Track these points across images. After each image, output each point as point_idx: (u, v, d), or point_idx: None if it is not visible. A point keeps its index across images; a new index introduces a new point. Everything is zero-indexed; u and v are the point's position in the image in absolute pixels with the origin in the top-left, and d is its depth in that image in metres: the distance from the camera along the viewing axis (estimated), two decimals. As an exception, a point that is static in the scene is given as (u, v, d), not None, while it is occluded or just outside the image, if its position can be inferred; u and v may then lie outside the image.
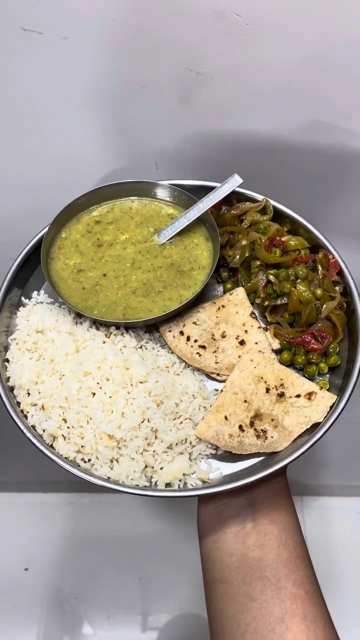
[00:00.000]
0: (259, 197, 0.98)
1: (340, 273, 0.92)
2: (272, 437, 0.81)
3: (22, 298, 0.95)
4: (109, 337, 0.87)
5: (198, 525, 0.85)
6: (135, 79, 0.86)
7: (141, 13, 0.77)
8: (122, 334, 0.88)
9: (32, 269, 0.97)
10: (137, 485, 0.79)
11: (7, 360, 0.88)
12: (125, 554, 1.78)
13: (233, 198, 0.99)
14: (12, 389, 0.86)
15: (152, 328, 0.92)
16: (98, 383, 0.82)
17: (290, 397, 0.83)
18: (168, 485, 0.80)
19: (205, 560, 0.82)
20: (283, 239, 0.94)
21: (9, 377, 0.86)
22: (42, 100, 0.90)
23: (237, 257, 0.94)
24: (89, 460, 0.80)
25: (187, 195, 0.95)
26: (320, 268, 0.91)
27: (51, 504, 1.85)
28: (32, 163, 1.00)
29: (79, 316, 0.91)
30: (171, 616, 1.69)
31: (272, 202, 0.97)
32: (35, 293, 0.95)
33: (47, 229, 0.92)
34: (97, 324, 0.89)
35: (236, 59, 0.82)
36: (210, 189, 0.95)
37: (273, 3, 0.75)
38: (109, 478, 0.79)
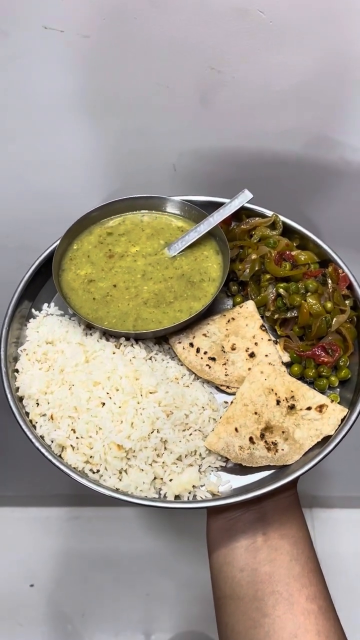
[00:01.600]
0: (269, 212, 0.99)
1: (350, 287, 0.93)
2: (282, 449, 0.80)
3: (33, 310, 0.96)
4: (118, 348, 0.87)
5: (207, 540, 0.83)
6: (156, 79, 0.87)
7: (162, 10, 0.78)
8: (131, 345, 0.88)
9: (42, 281, 0.98)
10: (146, 496, 0.78)
11: (17, 371, 0.88)
12: (131, 570, 1.75)
13: (242, 214, 1.00)
14: (21, 399, 0.86)
15: (161, 340, 0.92)
16: (108, 393, 0.81)
17: (301, 409, 0.83)
18: (177, 497, 0.79)
19: (216, 575, 0.80)
20: (293, 253, 0.95)
21: (18, 387, 0.86)
22: (58, 102, 0.91)
23: (247, 270, 0.94)
24: (98, 470, 0.79)
25: (198, 210, 0.97)
26: (330, 282, 0.91)
27: (55, 518, 1.82)
28: (45, 169, 1.01)
29: (89, 327, 0.91)
30: (175, 634, 1.65)
31: (282, 218, 0.98)
32: (45, 305, 0.96)
33: (58, 241, 0.93)
34: (106, 335, 0.89)
35: (259, 58, 0.83)
36: (219, 205, 0.96)
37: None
38: (117, 489, 0.78)
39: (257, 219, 0.99)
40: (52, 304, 0.96)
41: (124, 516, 1.79)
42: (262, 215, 1.00)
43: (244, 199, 0.95)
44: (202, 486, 0.80)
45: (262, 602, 0.73)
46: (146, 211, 0.98)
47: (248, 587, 0.75)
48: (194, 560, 1.67)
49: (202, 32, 0.80)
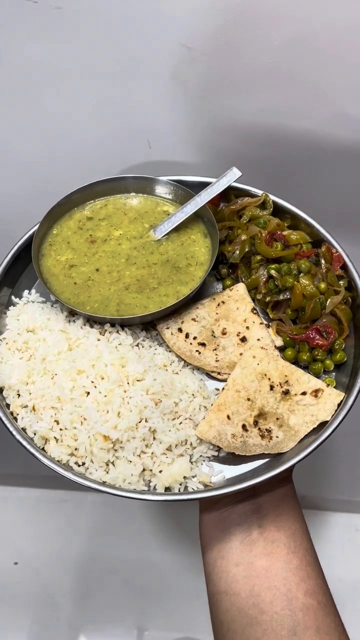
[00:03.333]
0: (258, 191, 0.95)
1: (344, 267, 0.89)
2: (277, 437, 0.77)
3: (13, 297, 0.91)
4: (103, 335, 0.83)
5: (200, 533, 0.80)
6: (127, 52, 0.83)
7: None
8: (117, 331, 0.83)
9: (23, 267, 0.93)
10: (135, 489, 0.74)
11: (-4, 361, 0.83)
12: (120, 554, 1.72)
13: (231, 194, 0.96)
14: (1, 390, 0.81)
15: (149, 326, 0.88)
16: (92, 382, 0.77)
17: (295, 394, 0.79)
18: (167, 489, 0.75)
19: (210, 571, 0.76)
20: (284, 233, 0.91)
21: (-3, 378, 0.81)
22: (29, 74, 0.87)
23: (237, 252, 0.90)
24: (83, 463, 0.75)
25: (184, 190, 0.92)
26: (323, 262, 0.88)
27: (45, 499, 1.80)
28: (22, 144, 0.96)
29: (72, 314, 0.86)
30: (166, 634, 1.61)
31: (272, 197, 0.94)
32: (26, 292, 0.91)
33: (37, 225, 0.88)
34: (90, 322, 0.85)
35: (231, 36, 0.79)
36: (206, 185, 0.92)
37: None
38: (104, 482, 0.74)
39: (246, 199, 0.95)
40: (34, 291, 0.92)
41: (115, 502, 1.75)
42: (252, 195, 0.96)
43: (232, 177, 0.91)
44: (193, 477, 0.76)
45: (258, 597, 0.69)
46: (132, 194, 0.93)
47: (244, 582, 0.71)
48: (188, 566, 1.63)
49: (174, 8, 0.76)
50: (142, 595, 1.67)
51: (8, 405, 0.80)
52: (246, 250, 0.90)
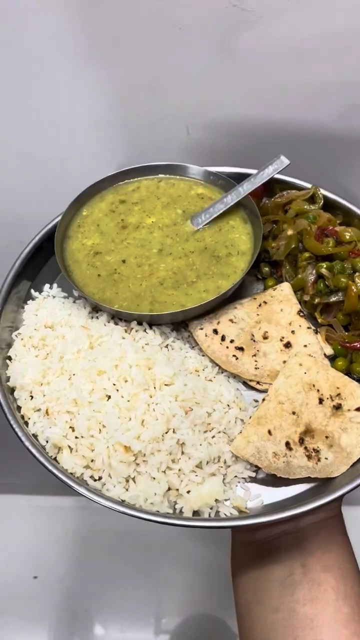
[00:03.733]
0: (306, 184, 0.86)
1: None
2: (326, 458, 0.65)
3: (32, 291, 0.83)
4: (129, 333, 0.73)
5: (232, 564, 0.69)
6: (166, 17, 0.73)
7: None
8: (144, 330, 0.74)
9: (44, 259, 0.85)
10: (158, 511, 0.63)
11: (9, 358, 0.75)
12: (139, 558, 1.68)
13: (275, 187, 0.87)
14: (12, 390, 0.73)
15: (180, 326, 0.78)
16: (114, 384, 0.68)
17: (349, 410, 0.68)
18: (196, 513, 0.64)
19: (244, 614, 0.64)
20: (336, 229, 0.81)
21: (9, 377, 0.72)
22: (47, 50, 0.78)
23: (282, 248, 0.81)
24: (100, 478, 0.65)
25: (224, 179, 0.84)
26: (381, 261, 0.77)
27: (63, 507, 1.75)
28: (44, 134, 0.88)
29: (95, 310, 0.78)
30: (183, 618, 1.57)
31: (322, 191, 0.85)
32: (47, 286, 0.83)
33: (66, 209, 0.81)
34: (115, 318, 0.76)
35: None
36: (246, 177, 0.82)
37: None
38: (123, 501, 0.64)
39: (293, 191, 0.86)
40: (55, 285, 0.84)
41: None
42: (299, 188, 0.86)
43: (279, 165, 0.82)
44: (226, 500, 0.66)
45: None
46: (163, 175, 0.85)
47: (284, 633, 0.59)
48: (202, 544, 1.59)
49: None
50: (159, 585, 1.65)
51: (19, 408, 0.71)
52: (292, 246, 0.80)
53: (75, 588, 1.66)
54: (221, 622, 1.50)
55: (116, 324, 0.75)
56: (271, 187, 0.87)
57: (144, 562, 1.67)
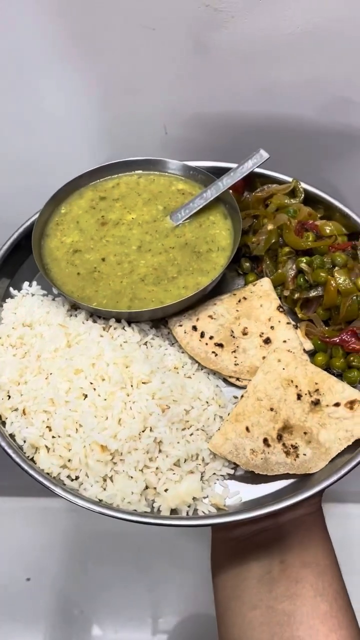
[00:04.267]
0: (287, 178, 0.85)
1: (386, 262, 0.78)
2: (304, 454, 0.65)
3: (11, 289, 0.82)
4: (107, 331, 0.73)
5: (212, 561, 0.68)
6: (139, 19, 0.73)
7: None
8: (123, 327, 0.73)
9: (23, 257, 0.85)
10: (135, 510, 0.63)
11: (-14, 358, 0.74)
12: (132, 558, 1.67)
13: (257, 181, 0.86)
14: (-11, 390, 0.72)
15: (159, 323, 0.78)
16: (91, 383, 0.67)
17: (327, 405, 0.68)
18: (174, 511, 0.64)
19: (222, 612, 0.64)
20: (316, 223, 0.80)
21: (-14, 377, 0.72)
22: (24, 51, 0.77)
23: (262, 243, 0.80)
24: (77, 477, 0.65)
25: (204, 174, 0.83)
26: (361, 255, 0.77)
27: (54, 509, 1.72)
28: (21, 131, 0.87)
29: (74, 308, 0.77)
30: (181, 618, 1.57)
31: (303, 185, 0.84)
32: (26, 284, 0.83)
33: (43, 206, 0.80)
34: (94, 316, 0.75)
35: None
36: (226, 172, 0.81)
37: None
38: (100, 500, 0.63)
39: (273, 186, 0.85)
40: (34, 283, 0.83)
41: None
42: (280, 182, 0.86)
43: (259, 159, 0.81)
44: (205, 498, 0.65)
45: None
46: (142, 171, 0.84)
47: (261, 630, 0.59)
48: (197, 543, 1.58)
49: None
50: (155, 585, 1.64)
51: (-4, 408, 0.70)
52: (272, 241, 0.80)
53: (70, 589, 1.65)
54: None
55: (95, 321, 0.75)
56: (252, 181, 0.87)
57: (139, 562, 1.66)
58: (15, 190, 0.93)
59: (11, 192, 0.94)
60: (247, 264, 0.83)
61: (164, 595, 1.62)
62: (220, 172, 0.82)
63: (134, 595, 1.62)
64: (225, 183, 0.81)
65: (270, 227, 0.80)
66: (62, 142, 0.90)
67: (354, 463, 0.63)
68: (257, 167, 0.81)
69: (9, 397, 0.70)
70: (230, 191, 0.81)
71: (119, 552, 1.68)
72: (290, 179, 0.85)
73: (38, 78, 0.82)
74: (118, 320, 0.74)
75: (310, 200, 0.85)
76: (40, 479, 0.63)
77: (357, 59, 0.78)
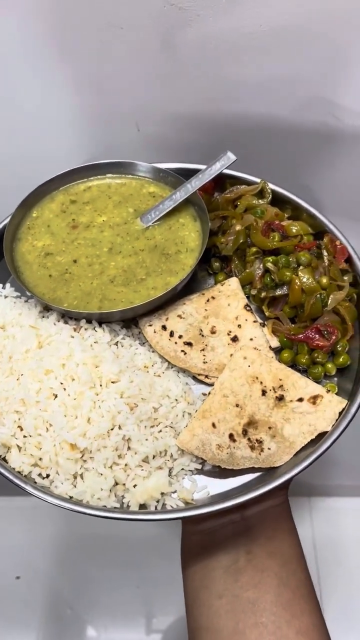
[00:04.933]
0: (256, 179, 0.87)
1: (349, 261, 0.81)
2: (269, 448, 0.67)
3: (-16, 292, 0.83)
4: (78, 332, 0.74)
5: (182, 554, 0.70)
6: (107, 18, 0.74)
7: None
8: (94, 328, 0.75)
9: (-4, 259, 0.85)
10: (105, 506, 0.65)
11: None
12: (123, 557, 1.67)
13: (227, 182, 0.88)
14: None
15: (130, 323, 0.79)
16: (61, 383, 0.69)
17: (291, 401, 0.70)
18: (143, 506, 0.66)
19: (191, 602, 0.66)
20: (283, 223, 0.82)
21: None
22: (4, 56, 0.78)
23: (230, 243, 0.82)
24: (48, 475, 0.66)
25: (174, 176, 0.84)
26: (325, 254, 0.79)
27: (43, 507, 1.72)
28: None
29: (46, 310, 0.79)
30: (174, 618, 1.57)
31: (271, 185, 0.86)
32: (0, 286, 0.83)
33: (14, 210, 0.81)
34: (65, 317, 0.77)
35: None
36: (195, 173, 0.83)
37: None
38: (70, 497, 0.65)
39: (242, 187, 0.87)
40: (8, 285, 0.84)
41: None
42: (249, 183, 0.87)
43: (226, 161, 0.83)
44: (173, 493, 0.67)
45: (243, 636, 0.60)
46: (114, 175, 0.86)
47: (227, 618, 0.61)
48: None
49: None
50: (148, 584, 1.64)
51: (-31, 409, 0.71)
52: (240, 241, 0.82)
53: (60, 588, 1.66)
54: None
55: (66, 322, 0.76)
56: (222, 182, 0.88)
57: (131, 561, 1.66)
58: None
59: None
60: (217, 264, 0.85)
61: (157, 594, 1.62)
62: (190, 174, 0.84)
63: (125, 595, 1.62)
64: (193, 185, 0.82)
65: (238, 227, 0.82)
66: (36, 143, 0.91)
67: (315, 455, 0.65)
68: (224, 168, 0.83)
69: (-19, 398, 0.72)
70: (199, 193, 0.83)
71: (110, 551, 1.68)
72: (258, 180, 0.87)
73: (10, 79, 0.83)
74: (89, 321, 0.76)
75: (279, 200, 0.86)
76: (11, 477, 0.65)
77: (326, 57, 0.79)
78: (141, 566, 1.66)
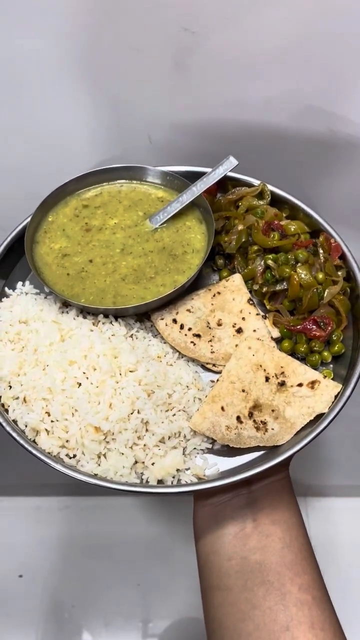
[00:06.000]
0: (256, 181, 0.94)
1: (343, 257, 0.87)
2: (272, 429, 0.75)
3: (6, 289, 0.90)
4: (96, 326, 0.81)
5: (194, 526, 0.78)
6: (125, 41, 0.81)
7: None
8: (110, 322, 0.82)
9: (16, 259, 0.92)
10: (127, 482, 0.72)
11: (-12, 353, 0.82)
12: (124, 559, 1.71)
13: (229, 184, 0.95)
14: (-8, 382, 0.80)
15: (143, 317, 0.86)
16: (84, 373, 0.76)
17: (291, 386, 0.77)
18: (160, 481, 0.73)
19: (203, 565, 0.74)
20: (282, 222, 0.89)
21: (-11, 370, 0.80)
22: (22, 68, 0.85)
23: (233, 242, 0.89)
24: (74, 455, 0.74)
25: (180, 180, 0.91)
26: (321, 252, 0.86)
27: (46, 508, 1.77)
28: (14, 140, 0.95)
29: (65, 305, 0.85)
30: (171, 621, 1.61)
31: (270, 187, 0.93)
32: (20, 284, 0.90)
33: (32, 213, 0.87)
34: (84, 312, 0.84)
35: (235, 17, 0.77)
36: (202, 175, 0.90)
37: None
38: (95, 475, 0.72)
39: (243, 188, 0.94)
40: (27, 283, 0.90)
41: (115, 505, 1.74)
42: (249, 185, 0.94)
43: (228, 166, 0.90)
44: (187, 469, 0.75)
45: (251, 592, 0.68)
46: (124, 181, 0.92)
47: (237, 577, 0.69)
48: (188, 546, 1.60)
49: None
50: (145, 589, 1.67)
51: (-1, 397, 0.79)
52: (243, 240, 0.88)
53: (61, 588, 1.68)
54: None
55: (85, 317, 0.83)
56: (225, 184, 0.95)
57: (129, 564, 1.69)
58: (7, 195, 1.01)
59: (5, 197, 1.01)
60: (221, 261, 0.92)
61: (154, 598, 1.65)
62: (195, 176, 0.91)
63: (124, 596, 1.64)
64: (199, 188, 0.89)
65: (240, 227, 0.89)
66: (55, 152, 0.97)
67: (314, 434, 0.73)
68: (227, 172, 0.89)
69: (10, 387, 0.78)
70: (204, 195, 0.90)
71: (110, 552, 1.71)
72: (258, 182, 0.94)
73: (35, 93, 0.89)
74: (106, 316, 0.83)
75: (277, 201, 0.93)
76: (43, 457, 0.72)
77: (325, 72, 0.85)
78: (139, 568, 1.69)
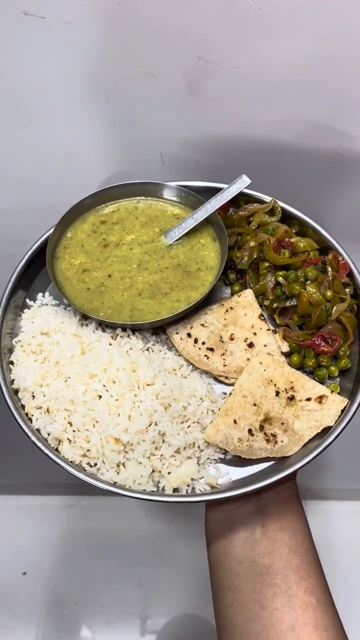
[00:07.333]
0: (267, 198, 0.97)
1: (350, 275, 0.91)
2: (282, 441, 0.79)
3: (27, 300, 0.94)
4: (115, 339, 0.85)
5: (206, 531, 0.83)
6: (141, 67, 0.84)
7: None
8: (128, 336, 0.86)
9: (37, 271, 0.96)
10: (144, 490, 0.77)
11: (12, 363, 0.86)
12: (125, 557, 1.76)
13: (241, 200, 0.98)
14: (16, 391, 0.84)
15: (158, 330, 0.90)
16: (104, 385, 0.80)
17: (300, 400, 0.82)
18: (175, 490, 0.78)
19: (214, 567, 0.80)
20: (292, 240, 0.93)
21: (13, 380, 0.84)
22: (42, 90, 0.88)
23: (245, 258, 0.93)
24: (95, 464, 0.78)
25: (195, 196, 0.94)
26: (330, 269, 0.89)
27: (50, 507, 1.82)
28: (34, 157, 0.98)
29: (84, 318, 0.89)
30: (169, 619, 1.66)
31: (281, 204, 0.96)
32: (40, 295, 0.94)
33: (52, 229, 0.91)
34: (102, 326, 0.88)
35: (247, 46, 0.80)
36: (217, 191, 0.94)
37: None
38: (115, 483, 0.77)
39: (255, 205, 0.97)
40: (47, 294, 0.94)
41: (118, 504, 1.79)
42: (261, 202, 0.97)
43: (242, 184, 0.93)
44: (200, 479, 0.79)
45: (260, 594, 0.73)
46: (141, 197, 0.96)
47: (246, 579, 0.74)
48: (188, 545, 1.67)
49: (188, 19, 0.77)
50: (146, 587, 1.71)
51: (23, 407, 0.83)
52: (254, 256, 0.92)
53: (63, 585, 1.72)
54: (207, 622, 1.57)
55: (103, 330, 0.87)
56: (237, 199, 0.98)
57: (130, 562, 1.74)
58: (28, 209, 1.05)
59: (25, 211, 1.05)
60: (233, 275, 0.96)
61: (155, 596, 1.69)
62: (209, 190, 0.94)
63: (124, 594, 1.69)
64: (213, 205, 0.92)
65: (252, 244, 0.92)
66: (70, 167, 1.00)
67: (322, 447, 0.77)
68: (240, 190, 0.93)
69: (34, 397, 0.83)
70: (217, 211, 0.93)
71: (112, 550, 1.76)
72: (269, 199, 0.97)
73: (54, 114, 0.92)
74: (123, 329, 0.87)
75: (288, 217, 0.96)
76: (66, 466, 0.76)
77: (333, 95, 0.89)
78: (140, 567, 1.74)
